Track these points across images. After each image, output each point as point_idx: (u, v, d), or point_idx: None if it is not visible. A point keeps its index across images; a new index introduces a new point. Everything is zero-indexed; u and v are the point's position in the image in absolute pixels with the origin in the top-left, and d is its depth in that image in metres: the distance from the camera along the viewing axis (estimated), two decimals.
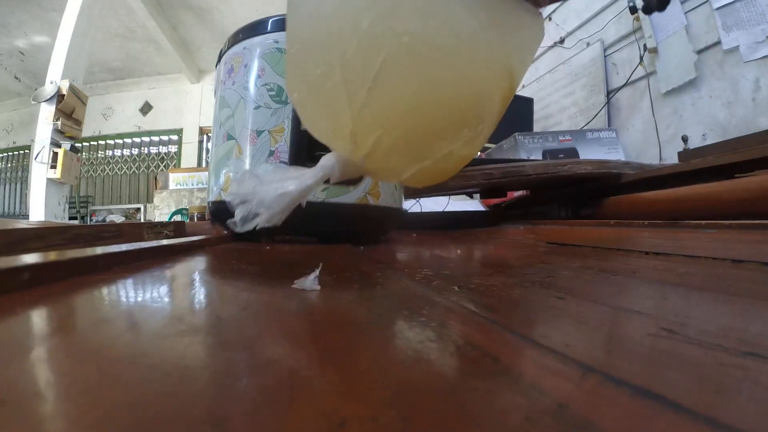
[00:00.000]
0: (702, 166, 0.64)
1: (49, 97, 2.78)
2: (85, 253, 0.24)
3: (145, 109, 5.74)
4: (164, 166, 5.60)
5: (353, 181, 0.25)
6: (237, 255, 0.40)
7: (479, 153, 1.72)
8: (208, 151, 5.37)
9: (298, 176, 0.25)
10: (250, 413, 0.08)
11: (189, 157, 5.55)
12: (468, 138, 0.24)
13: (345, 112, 0.23)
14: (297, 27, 0.24)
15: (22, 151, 5.74)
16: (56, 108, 2.79)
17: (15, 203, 5.71)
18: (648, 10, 0.44)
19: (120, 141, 5.79)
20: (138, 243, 0.36)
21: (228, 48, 0.61)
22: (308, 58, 0.23)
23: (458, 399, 0.09)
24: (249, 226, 0.25)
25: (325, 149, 0.57)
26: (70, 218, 4.27)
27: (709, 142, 1.31)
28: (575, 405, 0.09)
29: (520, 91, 2.32)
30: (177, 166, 5.43)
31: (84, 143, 5.26)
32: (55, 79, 2.85)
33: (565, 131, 1.28)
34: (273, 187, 0.24)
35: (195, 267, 0.31)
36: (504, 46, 0.22)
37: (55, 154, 2.82)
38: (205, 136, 5.52)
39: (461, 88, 0.22)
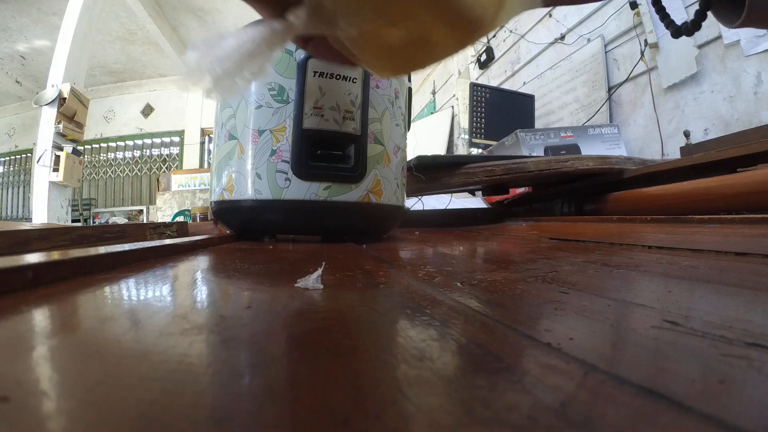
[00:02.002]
0: (704, 160, 0.64)
1: (50, 100, 2.80)
2: (88, 253, 0.24)
3: (147, 111, 5.76)
4: (166, 168, 5.62)
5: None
6: (240, 254, 0.40)
7: (481, 151, 1.72)
8: (210, 152, 5.39)
9: (257, 27, 0.24)
10: (253, 411, 0.08)
11: (191, 159, 5.57)
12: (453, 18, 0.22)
13: None
14: None
15: (24, 155, 5.77)
16: (58, 111, 2.80)
17: (18, 207, 5.74)
18: (677, 34, 0.43)
19: (122, 143, 5.81)
20: (141, 243, 0.36)
21: None
22: None
23: (461, 397, 0.09)
24: (198, 81, 0.23)
25: (327, 148, 0.56)
26: (73, 221, 4.28)
27: (711, 136, 1.31)
28: (578, 403, 0.09)
29: (522, 88, 2.31)
30: (179, 168, 5.45)
31: (86, 146, 5.28)
32: (56, 82, 2.86)
33: (566, 127, 1.28)
34: (228, 38, 0.23)
35: (198, 266, 0.31)
36: None
37: (58, 157, 2.83)
38: (206, 137, 5.54)
39: None
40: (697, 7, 0.39)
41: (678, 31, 0.40)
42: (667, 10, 0.43)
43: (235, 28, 0.24)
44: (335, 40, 0.26)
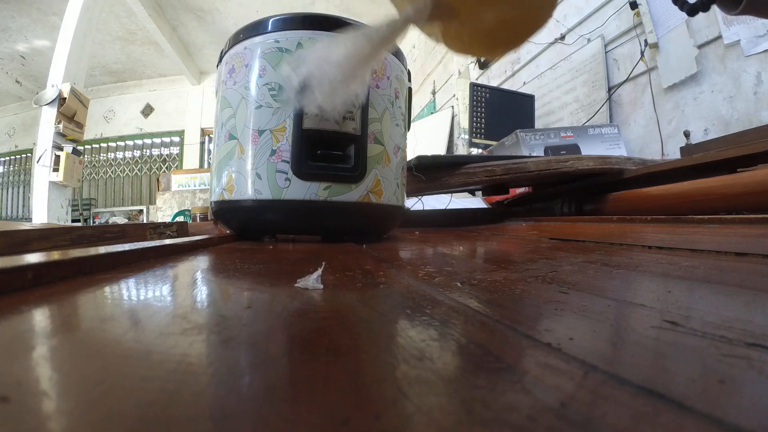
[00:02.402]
0: (704, 160, 0.64)
1: (50, 100, 2.79)
2: (88, 253, 0.24)
3: (147, 111, 5.75)
4: (166, 168, 5.61)
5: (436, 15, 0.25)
6: (240, 254, 0.40)
7: (481, 151, 1.72)
8: (209, 152, 5.38)
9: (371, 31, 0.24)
10: (253, 411, 0.08)
11: (191, 159, 5.56)
12: None
13: None
14: None
15: (24, 155, 5.76)
16: (58, 111, 2.80)
17: (18, 207, 5.74)
18: (693, 12, 0.43)
19: (122, 143, 5.80)
20: (141, 243, 0.36)
21: (229, 48, 0.61)
22: None
23: (461, 397, 0.09)
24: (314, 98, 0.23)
25: (327, 148, 0.56)
26: (73, 221, 4.28)
27: (711, 136, 1.31)
28: (578, 403, 0.09)
29: (521, 88, 2.31)
30: (179, 168, 5.45)
31: (86, 146, 5.28)
32: (56, 82, 2.86)
33: (566, 127, 1.28)
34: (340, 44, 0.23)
35: (198, 266, 0.31)
36: None
37: (58, 157, 2.83)
38: (206, 137, 5.53)
39: None
40: None
41: (693, 9, 0.40)
42: None
43: (337, 39, 0.24)
44: (437, 32, 0.27)
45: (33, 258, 0.21)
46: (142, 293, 0.20)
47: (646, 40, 1.55)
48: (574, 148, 1.24)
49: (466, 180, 0.86)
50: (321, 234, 0.61)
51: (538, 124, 2.00)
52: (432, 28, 0.27)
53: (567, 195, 0.95)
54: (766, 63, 1.20)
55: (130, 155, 5.79)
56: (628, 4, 1.61)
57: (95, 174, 5.77)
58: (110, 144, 5.80)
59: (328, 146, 0.55)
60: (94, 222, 5.35)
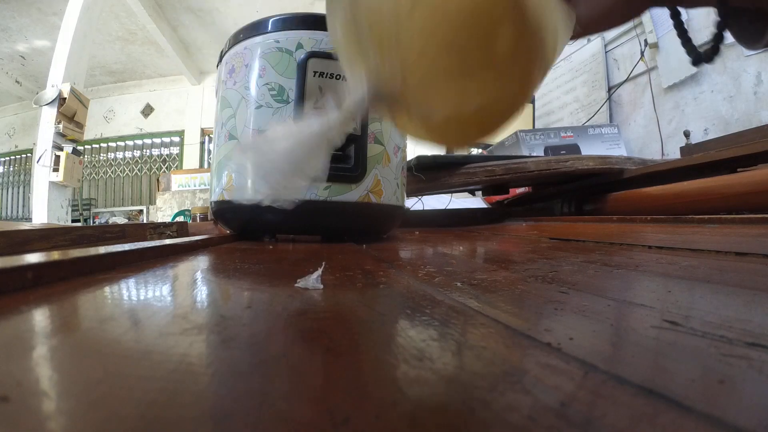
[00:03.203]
0: (704, 160, 0.64)
1: (50, 100, 2.79)
2: (88, 253, 0.24)
3: (147, 111, 5.75)
4: (166, 168, 5.61)
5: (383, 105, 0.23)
6: (240, 254, 0.40)
7: (481, 151, 1.72)
8: (209, 152, 5.38)
9: (308, 124, 0.22)
10: (252, 411, 0.08)
11: (191, 159, 5.56)
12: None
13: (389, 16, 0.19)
14: None
15: (24, 155, 5.76)
16: (58, 111, 2.79)
17: (18, 207, 5.73)
18: (697, 62, 0.42)
19: (122, 143, 5.79)
20: (141, 243, 0.36)
21: (229, 48, 0.61)
22: None
23: (460, 397, 0.09)
24: (257, 193, 0.22)
25: None
26: (73, 221, 4.28)
27: (711, 136, 1.31)
28: (578, 403, 0.09)
29: None
30: (179, 168, 5.44)
31: (86, 146, 5.27)
32: (56, 82, 2.85)
33: (566, 127, 1.28)
34: (275, 143, 0.21)
35: (198, 266, 0.31)
36: None
37: (58, 157, 2.83)
38: (206, 137, 5.53)
39: None
40: (713, 29, 0.38)
41: (698, 58, 0.39)
42: (689, 33, 0.43)
43: (284, 126, 0.23)
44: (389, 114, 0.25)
45: (33, 258, 0.21)
46: (142, 293, 0.20)
47: (646, 40, 1.55)
48: (574, 148, 1.24)
49: (466, 180, 0.87)
50: (321, 234, 0.61)
51: (538, 124, 2.00)
52: (385, 113, 0.24)
53: (567, 195, 0.95)
54: (766, 63, 1.20)
55: (130, 155, 5.78)
56: None
57: (95, 174, 5.77)
58: (110, 144, 5.79)
59: None
60: (94, 222, 5.35)
